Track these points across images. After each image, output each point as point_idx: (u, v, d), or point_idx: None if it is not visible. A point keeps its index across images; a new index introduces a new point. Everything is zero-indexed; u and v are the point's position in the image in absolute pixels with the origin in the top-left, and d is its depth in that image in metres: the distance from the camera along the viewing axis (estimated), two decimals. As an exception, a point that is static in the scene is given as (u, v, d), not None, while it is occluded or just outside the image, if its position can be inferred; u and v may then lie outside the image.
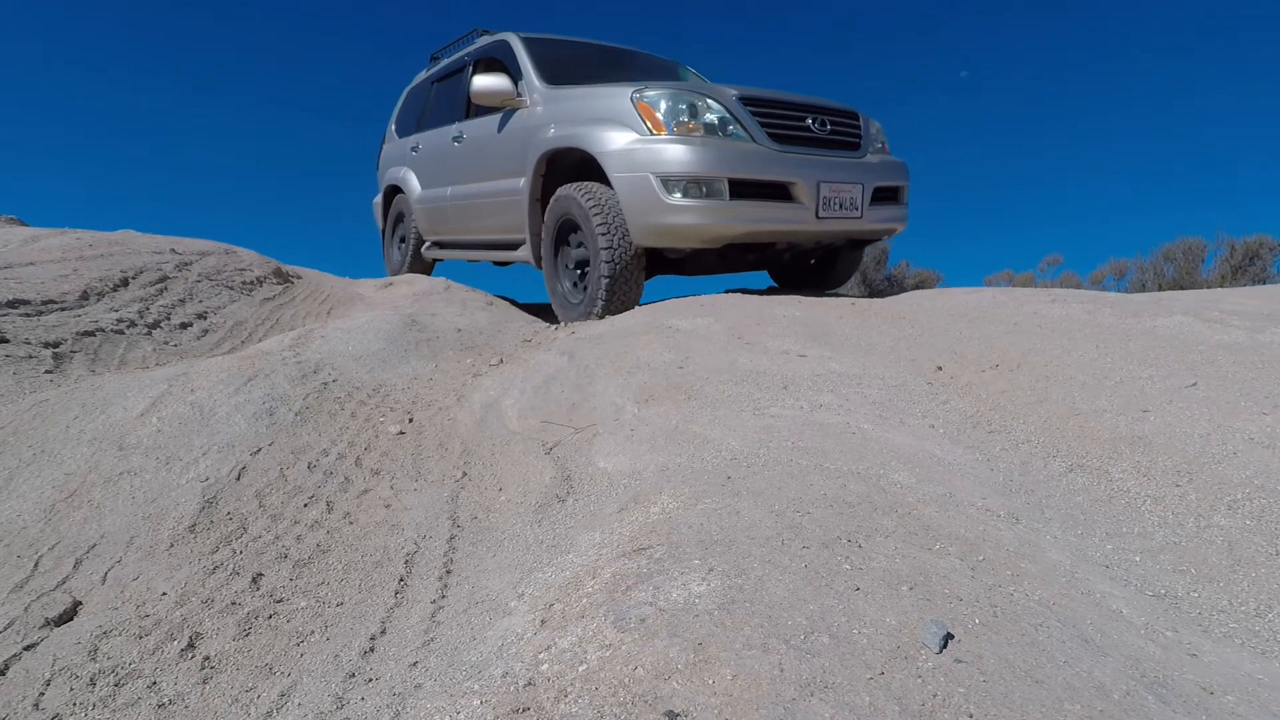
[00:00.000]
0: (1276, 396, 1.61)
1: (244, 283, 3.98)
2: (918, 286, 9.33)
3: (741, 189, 3.24)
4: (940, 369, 2.06)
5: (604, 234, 3.39)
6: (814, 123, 3.56)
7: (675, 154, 3.22)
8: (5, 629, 1.20)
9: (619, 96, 3.48)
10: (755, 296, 3.07)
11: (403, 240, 5.77)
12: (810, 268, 4.64)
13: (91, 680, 1.10)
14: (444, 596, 1.31)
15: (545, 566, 1.25)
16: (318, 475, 1.75)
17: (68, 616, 1.24)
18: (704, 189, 3.22)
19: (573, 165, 3.72)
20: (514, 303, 4.46)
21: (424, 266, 5.56)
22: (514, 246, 4.22)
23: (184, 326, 3.16)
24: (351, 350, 2.67)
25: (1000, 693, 0.75)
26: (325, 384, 2.29)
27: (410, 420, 2.13)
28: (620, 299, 3.50)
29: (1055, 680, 0.79)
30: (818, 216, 3.40)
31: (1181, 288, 8.22)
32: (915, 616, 0.87)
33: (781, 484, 1.28)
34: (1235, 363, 1.83)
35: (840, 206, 3.48)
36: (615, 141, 3.41)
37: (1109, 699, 0.77)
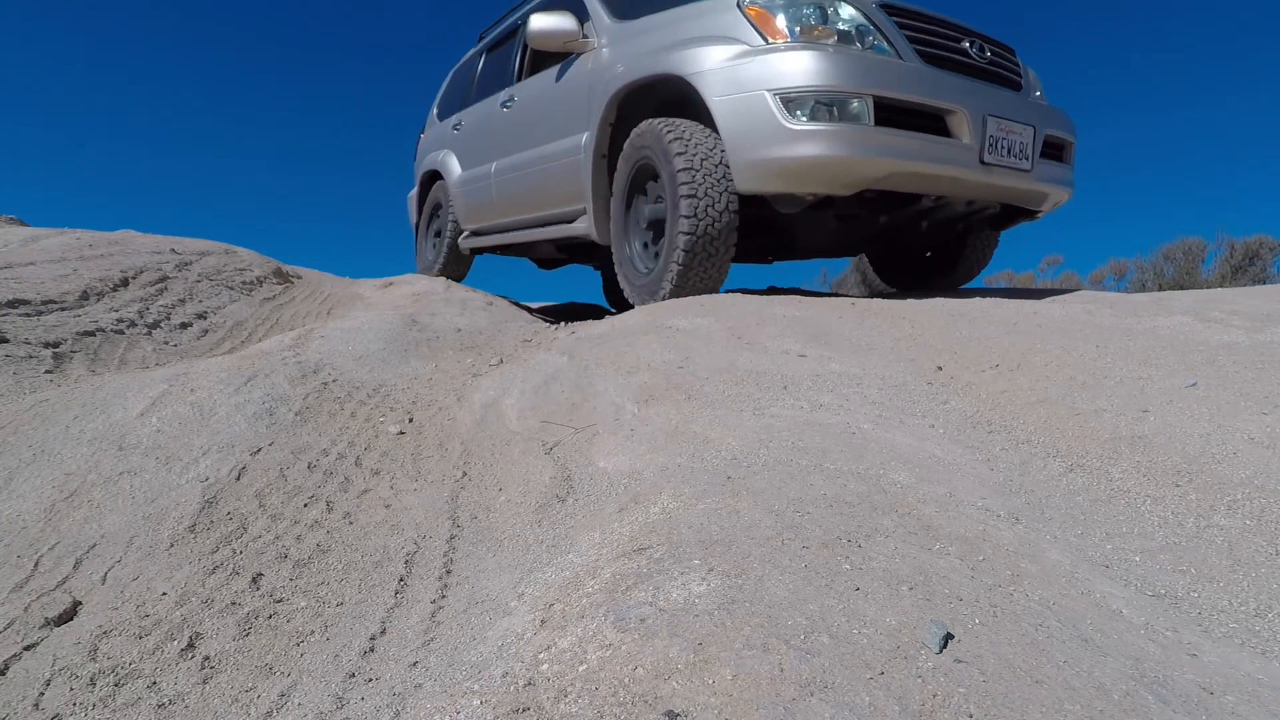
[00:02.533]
0: (1276, 396, 1.61)
1: (244, 283, 3.98)
2: (918, 286, 9.29)
3: (888, 114, 2.51)
4: (940, 369, 2.06)
5: (687, 180, 2.63)
6: (972, 47, 2.80)
7: (801, 64, 2.46)
8: (5, 629, 1.20)
9: (720, 9, 2.70)
10: (755, 296, 3.07)
11: (438, 235, 4.97)
12: (925, 258, 3.77)
13: (91, 680, 1.10)
14: (444, 596, 1.31)
15: (545, 566, 1.25)
16: (318, 475, 1.75)
17: (68, 616, 1.24)
18: (838, 110, 2.45)
19: (651, 113, 3.04)
20: (514, 303, 4.45)
21: (461, 264, 4.90)
22: (569, 221, 3.50)
23: (184, 326, 3.16)
24: (351, 350, 2.67)
25: (1000, 693, 0.75)
26: (325, 384, 2.29)
27: (410, 420, 2.13)
28: (700, 272, 2.74)
29: (1055, 680, 0.79)
30: (982, 161, 2.66)
31: (1181, 288, 8.22)
32: (915, 616, 0.87)
33: (781, 484, 1.28)
34: (1235, 363, 1.83)
35: (1009, 151, 2.73)
36: (714, 57, 2.63)
37: (1109, 699, 0.77)
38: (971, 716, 0.71)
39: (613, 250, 3.21)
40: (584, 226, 3.37)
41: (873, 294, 4.00)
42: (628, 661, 0.80)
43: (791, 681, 0.75)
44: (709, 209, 2.64)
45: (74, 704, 1.05)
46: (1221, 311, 2.41)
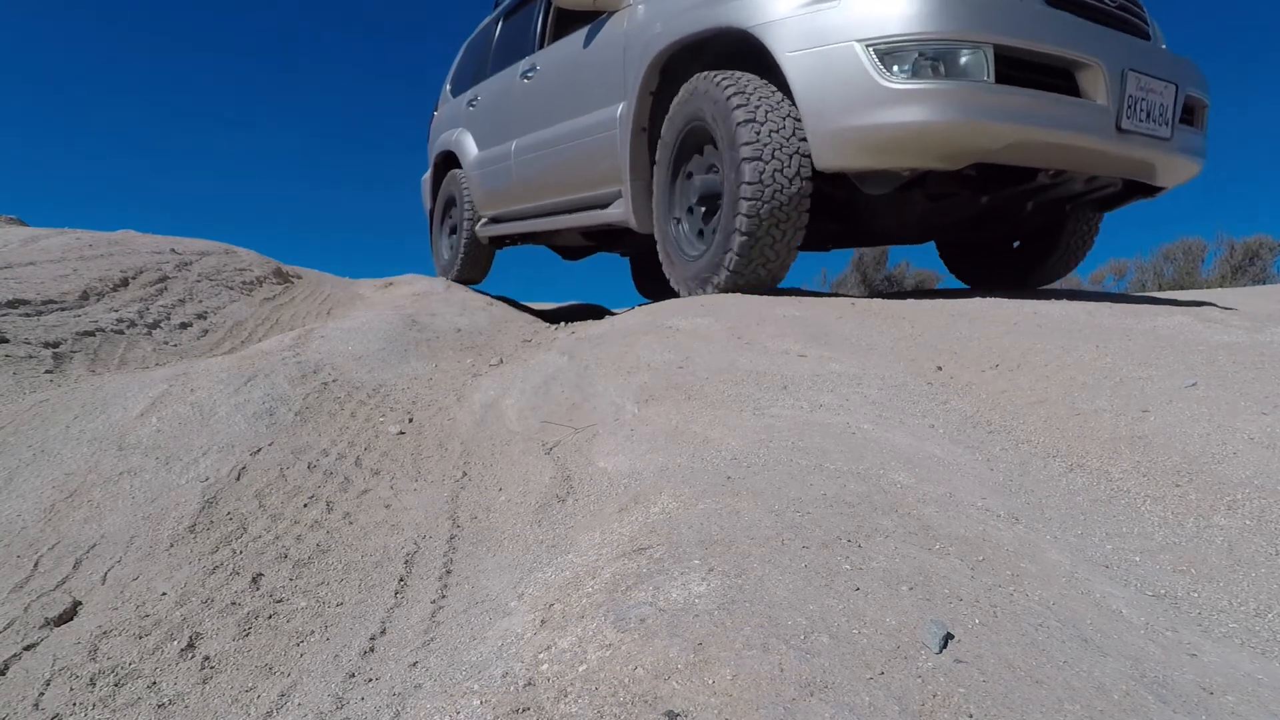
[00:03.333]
0: (1276, 396, 1.61)
1: (244, 283, 3.98)
2: (917, 286, 9.34)
3: (1010, 69, 2.03)
4: (940, 369, 2.05)
5: (750, 141, 2.20)
6: None
7: (899, 6, 2.01)
8: (5, 629, 1.20)
9: None
10: (755, 296, 3.07)
11: (453, 232, 4.49)
12: (1013, 247, 3.22)
13: (91, 680, 1.10)
14: (444, 596, 1.31)
15: (545, 566, 1.25)
16: (318, 475, 1.75)
17: (68, 616, 1.24)
18: (946, 65, 1.99)
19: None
20: (514, 303, 4.45)
21: (481, 264, 4.43)
22: (602, 205, 3.04)
23: (184, 326, 3.16)
24: (351, 350, 2.67)
25: (1000, 693, 0.75)
26: (325, 384, 2.29)
27: (410, 420, 2.13)
28: (764, 257, 2.37)
29: (1055, 680, 0.79)
30: (1119, 128, 2.17)
31: (1181, 288, 8.23)
32: (915, 616, 0.87)
33: (781, 484, 1.28)
34: (1235, 363, 1.83)
35: (1148, 116, 2.23)
36: (785, 2, 2.17)
37: (1109, 699, 0.77)
38: (971, 716, 0.71)
39: (655, 231, 2.76)
40: (620, 212, 2.90)
41: (873, 294, 3.99)
42: (628, 661, 0.80)
43: (791, 681, 0.75)
44: (776, 178, 2.21)
45: (74, 704, 1.05)
46: (1221, 311, 2.41)
